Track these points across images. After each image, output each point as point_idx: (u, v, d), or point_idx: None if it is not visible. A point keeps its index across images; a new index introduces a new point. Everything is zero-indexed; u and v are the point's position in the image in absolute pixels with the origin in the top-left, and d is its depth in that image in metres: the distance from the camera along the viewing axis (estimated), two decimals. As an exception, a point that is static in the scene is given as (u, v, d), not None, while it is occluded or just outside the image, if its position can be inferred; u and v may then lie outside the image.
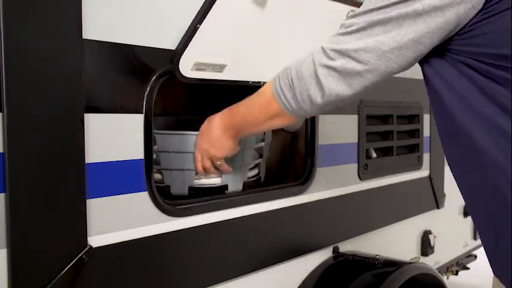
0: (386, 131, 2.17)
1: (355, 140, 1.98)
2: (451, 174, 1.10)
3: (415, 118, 2.36)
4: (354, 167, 1.97)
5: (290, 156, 1.95)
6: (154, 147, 1.39)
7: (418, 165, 2.39)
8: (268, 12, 1.43)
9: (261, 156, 1.68)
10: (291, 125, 1.45)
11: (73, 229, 1.09)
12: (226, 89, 1.51)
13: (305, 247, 1.74)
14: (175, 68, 1.29)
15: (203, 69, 1.36)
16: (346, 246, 1.91)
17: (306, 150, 1.78)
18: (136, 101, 1.23)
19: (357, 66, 1.02)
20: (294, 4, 1.52)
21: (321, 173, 1.78)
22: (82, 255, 1.09)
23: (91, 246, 1.12)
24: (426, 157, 2.44)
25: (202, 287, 1.39)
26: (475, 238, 2.95)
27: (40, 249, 1.04)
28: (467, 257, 2.98)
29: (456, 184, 1.08)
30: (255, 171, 1.67)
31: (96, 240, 1.13)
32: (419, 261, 2.36)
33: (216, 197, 1.48)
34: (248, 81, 1.49)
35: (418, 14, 0.96)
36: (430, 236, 2.45)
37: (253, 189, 1.64)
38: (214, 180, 1.52)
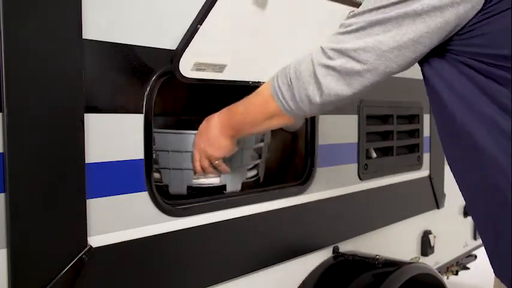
0: (386, 131, 2.17)
1: (355, 140, 1.98)
2: (451, 174, 1.10)
3: (415, 118, 2.36)
4: (354, 167, 1.97)
5: (290, 156, 1.95)
6: (153, 146, 1.38)
7: (418, 165, 2.39)
8: (268, 13, 1.43)
9: (260, 156, 1.68)
10: (290, 125, 1.45)
11: (73, 229, 1.09)
12: (227, 89, 1.51)
13: (305, 247, 1.75)
14: (175, 68, 1.29)
15: (203, 70, 1.36)
16: (346, 246, 1.91)
17: (306, 150, 1.78)
18: (136, 101, 1.23)
19: (356, 66, 1.02)
20: (294, 5, 1.52)
21: (321, 173, 1.78)
22: (82, 255, 1.09)
23: (91, 246, 1.12)
24: (426, 157, 2.44)
25: (202, 287, 1.39)
26: (475, 238, 2.95)
27: (40, 249, 1.04)
28: (467, 257, 2.98)
29: (456, 184, 1.08)
30: (254, 172, 1.67)
31: (96, 240, 1.13)
32: (419, 261, 2.36)
33: (216, 197, 1.48)
34: (248, 82, 1.49)
35: (417, 14, 0.96)
36: (430, 236, 2.45)
37: (253, 189, 1.64)
38: (213, 180, 1.52)
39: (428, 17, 0.95)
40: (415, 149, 2.37)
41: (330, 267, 1.82)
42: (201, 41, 1.30)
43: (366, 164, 2.02)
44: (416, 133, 2.37)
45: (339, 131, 1.92)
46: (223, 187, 1.54)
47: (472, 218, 1.09)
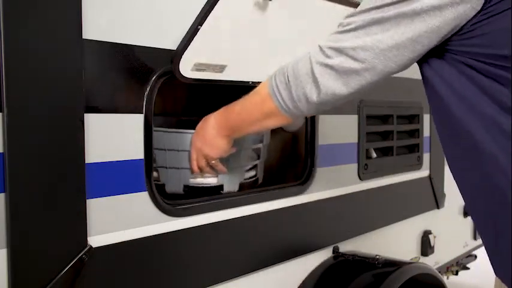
0: (386, 131, 2.17)
1: (355, 140, 1.98)
2: (451, 174, 1.10)
3: (415, 118, 2.36)
4: (354, 167, 1.97)
5: (290, 156, 1.95)
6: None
7: (418, 165, 2.39)
8: (268, 14, 1.43)
9: (258, 157, 1.68)
10: (288, 125, 1.45)
11: (73, 229, 1.09)
12: (227, 89, 1.50)
13: (305, 247, 1.75)
14: (175, 68, 1.29)
15: (203, 70, 1.36)
16: (346, 246, 1.91)
17: (306, 150, 1.78)
18: (136, 101, 1.23)
19: (354, 65, 1.02)
20: (294, 6, 1.52)
21: (321, 173, 1.78)
22: (82, 255, 1.09)
23: (91, 246, 1.12)
24: (426, 157, 2.44)
25: (202, 287, 1.39)
26: (475, 238, 2.95)
27: (40, 249, 1.04)
28: (467, 257, 2.98)
29: (455, 183, 1.08)
30: (252, 173, 1.66)
31: (96, 240, 1.13)
32: (419, 261, 2.36)
33: (216, 197, 1.48)
34: (248, 82, 1.49)
35: (416, 13, 0.95)
36: (430, 236, 2.45)
37: (253, 189, 1.64)
38: (210, 180, 1.52)
39: (428, 16, 0.95)
40: (415, 149, 2.37)
41: (330, 267, 1.82)
42: (202, 41, 1.30)
43: (366, 164, 2.02)
44: (416, 133, 2.37)
45: (339, 131, 1.92)
46: (220, 187, 1.54)
47: (472, 218, 1.09)
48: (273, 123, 1.24)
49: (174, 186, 1.48)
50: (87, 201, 1.11)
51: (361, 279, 1.81)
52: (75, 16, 1.07)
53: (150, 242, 1.26)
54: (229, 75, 1.43)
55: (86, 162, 1.11)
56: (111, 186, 1.17)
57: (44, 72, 1.03)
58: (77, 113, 1.09)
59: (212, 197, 1.47)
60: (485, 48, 0.95)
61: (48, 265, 1.05)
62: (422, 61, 1.05)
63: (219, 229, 1.43)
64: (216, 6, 1.29)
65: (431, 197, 2.51)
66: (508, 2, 0.92)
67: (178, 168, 1.47)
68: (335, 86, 1.05)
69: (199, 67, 1.34)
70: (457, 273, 3.04)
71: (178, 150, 1.45)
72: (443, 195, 2.58)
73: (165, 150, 1.45)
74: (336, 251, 1.87)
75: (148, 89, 1.24)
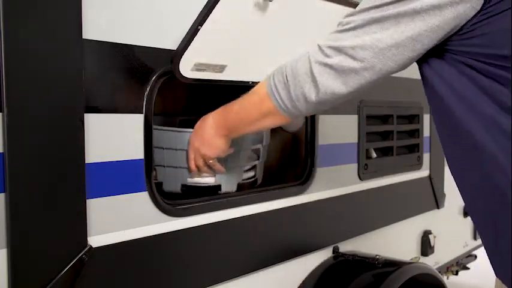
0: (386, 131, 2.17)
1: (355, 140, 1.98)
2: (451, 174, 1.10)
3: (415, 118, 2.36)
4: (354, 167, 1.97)
5: (290, 156, 1.95)
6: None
7: (418, 165, 2.39)
8: (268, 14, 1.43)
9: (258, 158, 1.67)
10: (287, 125, 1.45)
11: (73, 229, 1.09)
12: (227, 89, 1.50)
13: (305, 247, 1.75)
14: (175, 68, 1.29)
15: (203, 70, 1.36)
16: (346, 246, 1.91)
17: (306, 150, 1.78)
18: (136, 101, 1.23)
19: (353, 64, 1.02)
20: (294, 6, 1.52)
21: (321, 173, 1.78)
22: (82, 255, 1.09)
23: (91, 246, 1.12)
24: (426, 157, 2.45)
25: (202, 287, 1.39)
26: (475, 238, 2.95)
27: (40, 249, 1.05)
28: (467, 257, 2.98)
29: (455, 183, 1.08)
30: (251, 173, 1.66)
31: (96, 240, 1.13)
32: (419, 261, 2.36)
33: (215, 197, 1.48)
34: (248, 82, 1.49)
35: (416, 12, 0.95)
36: (430, 236, 2.45)
37: (253, 189, 1.64)
38: (208, 180, 1.51)
39: (428, 15, 0.95)
40: (415, 149, 2.37)
41: (330, 267, 1.82)
42: (202, 42, 1.30)
43: (366, 164, 2.02)
44: (416, 133, 2.37)
45: (339, 131, 1.92)
46: (218, 187, 1.53)
47: (472, 218, 1.09)
48: (272, 122, 1.24)
49: (171, 185, 1.48)
50: (87, 201, 1.11)
51: (361, 279, 1.81)
52: (75, 16, 1.07)
53: (150, 242, 1.26)
54: (229, 75, 1.43)
55: (86, 162, 1.11)
56: (111, 186, 1.17)
57: (44, 72, 1.03)
58: (77, 113, 1.09)
59: (212, 197, 1.47)
60: (485, 48, 0.95)
61: (48, 265, 1.05)
62: (422, 61, 1.05)
63: (219, 229, 1.43)
64: (216, 7, 1.29)
65: (431, 197, 2.51)
66: (508, 2, 0.92)
67: (176, 167, 1.46)
68: (334, 85, 1.05)
69: (199, 67, 1.34)
70: (457, 273, 3.04)
71: (176, 149, 1.45)
72: (443, 195, 2.58)
73: (163, 148, 1.45)
74: (336, 251, 1.87)
75: (148, 89, 1.24)
